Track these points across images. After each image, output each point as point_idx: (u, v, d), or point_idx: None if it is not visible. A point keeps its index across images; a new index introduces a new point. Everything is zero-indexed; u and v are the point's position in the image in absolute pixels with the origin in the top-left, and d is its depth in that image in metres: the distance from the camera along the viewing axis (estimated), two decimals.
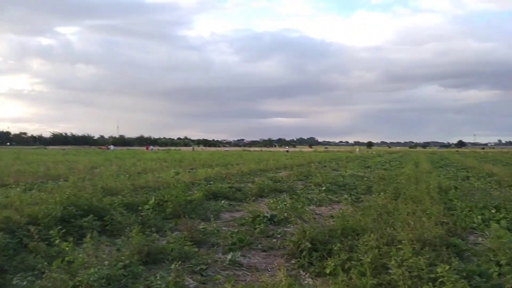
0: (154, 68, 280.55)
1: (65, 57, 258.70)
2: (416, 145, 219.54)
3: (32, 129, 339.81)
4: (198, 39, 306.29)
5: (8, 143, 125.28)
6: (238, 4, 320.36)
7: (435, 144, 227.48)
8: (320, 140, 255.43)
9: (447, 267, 3.91)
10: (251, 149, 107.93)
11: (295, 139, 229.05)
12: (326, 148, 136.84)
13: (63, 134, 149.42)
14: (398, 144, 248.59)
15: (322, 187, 13.53)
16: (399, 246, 4.72)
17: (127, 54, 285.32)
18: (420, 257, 4.23)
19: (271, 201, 10.32)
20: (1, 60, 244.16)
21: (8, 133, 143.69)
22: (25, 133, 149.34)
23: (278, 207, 9.35)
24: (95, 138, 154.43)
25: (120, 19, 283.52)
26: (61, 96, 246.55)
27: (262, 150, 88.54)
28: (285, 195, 11.76)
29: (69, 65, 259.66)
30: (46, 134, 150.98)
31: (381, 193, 10.01)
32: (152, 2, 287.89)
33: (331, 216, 8.49)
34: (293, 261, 5.45)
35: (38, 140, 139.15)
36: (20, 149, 65.21)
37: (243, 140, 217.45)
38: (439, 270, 3.89)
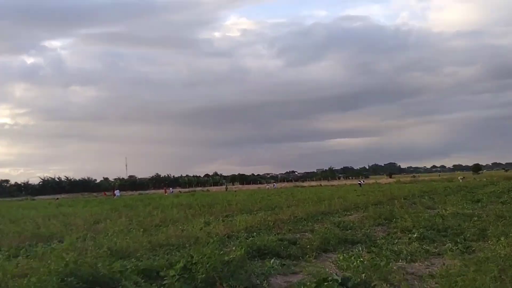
0: (170, 84, 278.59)
1: (55, 79, 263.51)
2: None
3: (16, 175, 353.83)
4: (227, 41, 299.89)
5: None
6: None
7: None
8: (403, 166, 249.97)
9: None
10: (306, 184, 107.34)
11: (367, 167, 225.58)
12: (414, 176, 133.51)
13: (56, 179, 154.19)
14: None
15: (413, 233, 13.14)
16: None
17: (134, 68, 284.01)
18: None
19: (341, 258, 10.14)
20: None
21: None
22: (6, 181, 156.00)
23: (352, 265, 9.17)
24: (97, 181, 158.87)
25: (125, 24, 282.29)
26: (52, 129, 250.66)
27: (321, 185, 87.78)
28: (360, 248, 11.60)
29: (60, 89, 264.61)
30: (34, 180, 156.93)
31: (501, 238, 9.57)
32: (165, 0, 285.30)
33: (431, 275, 8.18)
34: None
35: (23, 189, 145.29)
36: (2, 202, 68.14)
37: (293, 172, 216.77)
38: None
